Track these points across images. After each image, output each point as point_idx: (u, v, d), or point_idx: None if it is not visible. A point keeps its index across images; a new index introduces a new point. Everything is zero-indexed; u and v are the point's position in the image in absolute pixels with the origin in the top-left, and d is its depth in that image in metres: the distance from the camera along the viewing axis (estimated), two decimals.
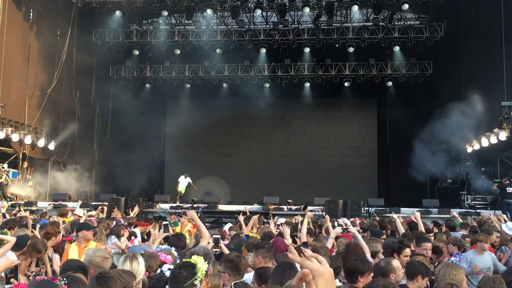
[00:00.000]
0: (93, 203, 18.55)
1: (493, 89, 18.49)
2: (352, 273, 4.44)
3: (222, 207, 19.57)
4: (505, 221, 10.10)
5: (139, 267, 4.07)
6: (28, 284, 3.35)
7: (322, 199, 19.08)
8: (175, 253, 4.82)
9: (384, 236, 7.72)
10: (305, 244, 6.23)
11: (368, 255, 5.57)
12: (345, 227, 6.67)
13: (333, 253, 5.93)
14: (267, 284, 4.17)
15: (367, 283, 4.22)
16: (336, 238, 6.55)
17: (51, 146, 21.85)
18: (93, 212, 11.72)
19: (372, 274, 4.51)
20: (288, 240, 6.08)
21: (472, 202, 18.33)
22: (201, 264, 3.51)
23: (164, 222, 8.85)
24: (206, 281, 3.64)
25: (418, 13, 23.56)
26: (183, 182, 22.79)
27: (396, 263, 4.77)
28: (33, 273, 6.26)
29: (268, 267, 4.59)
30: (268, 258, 4.93)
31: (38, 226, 7.84)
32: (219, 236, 5.77)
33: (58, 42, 22.41)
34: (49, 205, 18.44)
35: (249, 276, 4.60)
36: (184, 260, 3.66)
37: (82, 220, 9.86)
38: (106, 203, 17.56)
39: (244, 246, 5.90)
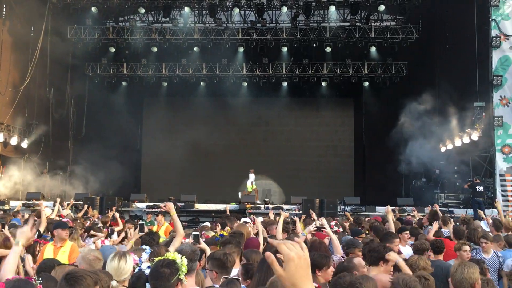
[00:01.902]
0: (67, 202, 18.24)
1: (466, 90, 18.89)
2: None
3: (199, 206, 19.50)
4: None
5: (126, 266, 4.09)
6: (5, 283, 3.30)
7: (299, 198, 19.18)
8: (144, 254, 4.77)
9: (363, 235, 7.80)
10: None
11: (340, 255, 5.62)
12: (319, 226, 6.70)
13: None
14: (253, 279, 4.21)
15: (331, 279, 4.27)
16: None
17: (24, 144, 21.41)
18: (65, 212, 11.52)
19: (331, 269, 4.57)
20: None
21: (446, 201, 18.69)
22: (180, 259, 3.53)
23: (140, 222, 8.78)
24: (185, 277, 3.64)
25: (394, 15, 23.88)
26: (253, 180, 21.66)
27: (357, 260, 4.83)
28: None
29: (253, 263, 4.61)
30: (235, 253, 4.98)
31: (6, 226, 7.65)
32: (198, 233, 5.75)
33: (31, 38, 21.96)
34: (23, 204, 18.09)
35: (233, 273, 4.63)
36: (156, 259, 3.64)
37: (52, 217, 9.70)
38: (81, 202, 17.31)
39: (219, 245, 5.90)
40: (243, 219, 9.95)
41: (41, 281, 3.29)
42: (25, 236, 4.15)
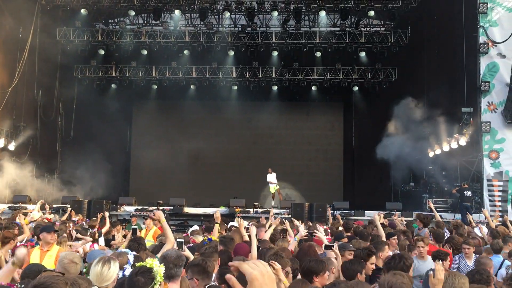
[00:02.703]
0: (54, 206, 18.06)
1: (454, 96, 19.06)
2: (307, 274, 4.51)
3: (188, 210, 19.39)
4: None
5: (109, 272, 3.97)
6: None
7: (288, 202, 19.18)
8: (131, 257, 4.71)
9: (346, 239, 7.83)
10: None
11: (332, 257, 5.65)
12: (311, 232, 6.72)
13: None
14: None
15: (325, 284, 4.29)
16: (300, 241, 6.59)
17: (11, 147, 21.17)
18: (51, 216, 11.42)
19: (327, 274, 4.60)
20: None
21: (434, 205, 18.75)
22: (158, 267, 3.43)
23: (133, 226, 8.70)
24: (164, 282, 3.58)
25: (383, 20, 24.07)
26: (273, 179, 20.86)
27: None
28: None
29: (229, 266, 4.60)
30: (215, 260, 5.01)
31: None
32: (182, 240, 5.70)
33: (20, 39, 21.75)
34: (8, 207, 17.86)
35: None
36: (138, 265, 3.57)
37: (35, 221, 9.60)
38: (68, 206, 17.14)
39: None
40: (231, 223, 9.90)
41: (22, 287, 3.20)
42: (23, 259, 4.20)
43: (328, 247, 5.82)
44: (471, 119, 17.70)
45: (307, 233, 6.69)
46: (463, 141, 17.75)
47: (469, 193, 16.43)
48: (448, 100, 19.32)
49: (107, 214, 10.82)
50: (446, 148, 19.15)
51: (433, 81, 21.43)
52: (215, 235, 7.62)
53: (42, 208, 14.58)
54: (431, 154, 20.65)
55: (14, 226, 8.11)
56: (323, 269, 4.58)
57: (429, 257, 6.95)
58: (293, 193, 26.64)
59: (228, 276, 1.79)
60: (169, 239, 5.42)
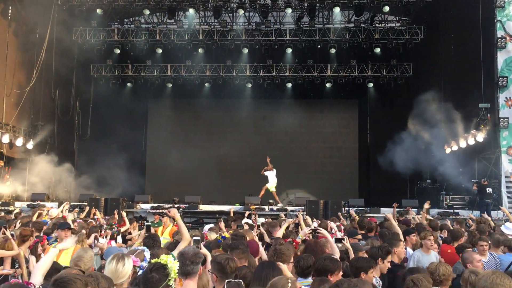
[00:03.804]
0: (72, 203, 18.30)
1: (471, 91, 18.80)
2: (321, 272, 4.49)
3: (203, 207, 19.49)
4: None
5: (124, 268, 4.00)
6: (2, 286, 3.27)
7: (303, 199, 19.14)
8: (147, 254, 4.75)
9: (360, 236, 7.79)
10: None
11: (337, 255, 5.62)
12: (314, 228, 6.68)
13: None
14: (251, 283, 4.19)
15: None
16: (304, 240, 6.56)
17: (30, 145, 21.51)
18: (70, 215, 11.56)
19: (341, 273, 4.58)
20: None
21: (451, 203, 18.59)
22: (172, 263, 3.44)
23: (147, 223, 8.75)
24: (180, 279, 3.60)
25: (398, 16, 23.81)
26: (272, 177, 20.17)
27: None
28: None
29: (243, 266, 4.61)
30: (243, 259, 4.94)
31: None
32: (199, 238, 5.73)
33: (37, 40, 22.07)
34: (27, 205, 18.15)
35: None
36: (153, 261, 3.60)
37: (53, 219, 9.73)
38: (86, 203, 17.35)
39: (221, 248, 5.88)
40: (244, 220, 9.93)
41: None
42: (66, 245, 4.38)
43: (339, 240, 5.80)
44: (489, 115, 17.46)
45: (311, 231, 6.63)
46: (480, 137, 17.52)
47: (490, 190, 16.22)
48: (465, 95, 19.07)
49: (124, 214, 10.83)
50: (463, 144, 18.92)
51: (450, 76, 21.17)
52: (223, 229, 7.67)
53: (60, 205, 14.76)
54: (447, 150, 20.42)
55: (29, 224, 8.23)
56: (338, 268, 4.60)
57: (433, 252, 7.03)
58: (308, 191, 26.56)
59: None
60: (184, 236, 5.45)
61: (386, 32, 23.31)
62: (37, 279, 3.92)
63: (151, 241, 6.04)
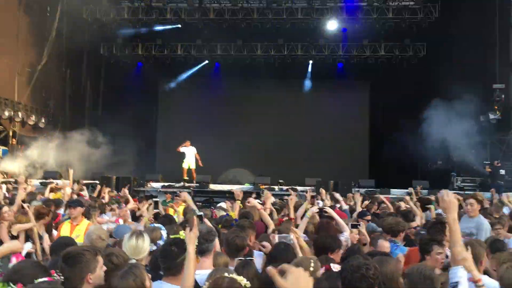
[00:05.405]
0: (84, 182, 18.47)
1: (485, 72, 18.52)
2: (321, 250, 4.52)
3: (214, 187, 19.61)
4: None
5: (144, 244, 4.11)
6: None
7: (313, 179, 19.16)
8: (164, 232, 4.82)
9: (369, 217, 7.75)
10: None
11: (347, 232, 5.65)
12: (321, 207, 6.67)
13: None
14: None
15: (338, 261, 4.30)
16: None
17: (41, 124, 21.68)
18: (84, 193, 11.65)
19: (341, 251, 4.63)
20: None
21: (462, 184, 18.50)
22: None
23: (155, 199, 8.78)
24: (196, 257, 3.65)
25: None
26: (190, 154, 20.38)
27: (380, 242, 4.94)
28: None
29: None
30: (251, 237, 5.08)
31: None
32: (202, 213, 5.77)
33: (47, 18, 22.03)
34: (40, 183, 18.35)
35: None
36: (172, 237, 3.67)
37: (66, 198, 9.84)
38: (97, 182, 17.53)
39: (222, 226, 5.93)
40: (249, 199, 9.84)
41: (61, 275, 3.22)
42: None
43: (355, 226, 5.80)
44: (503, 96, 17.22)
45: (318, 210, 6.64)
46: (493, 118, 17.32)
47: (503, 172, 16.10)
48: (479, 76, 18.78)
49: (126, 191, 10.62)
50: (476, 125, 18.71)
51: (463, 57, 20.83)
52: (236, 210, 7.69)
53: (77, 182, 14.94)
54: (460, 131, 20.20)
55: (51, 203, 8.31)
56: (338, 246, 4.69)
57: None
58: (318, 172, 26.54)
59: (268, 268, 1.83)
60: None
61: (399, 11, 22.92)
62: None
63: (167, 220, 6.11)
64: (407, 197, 9.16)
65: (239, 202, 8.27)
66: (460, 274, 3.18)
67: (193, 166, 20.46)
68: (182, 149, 20.48)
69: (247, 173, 24.98)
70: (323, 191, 10.70)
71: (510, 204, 9.46)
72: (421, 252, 4.77)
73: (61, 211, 8.61)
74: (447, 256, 4.45)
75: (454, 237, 3.37)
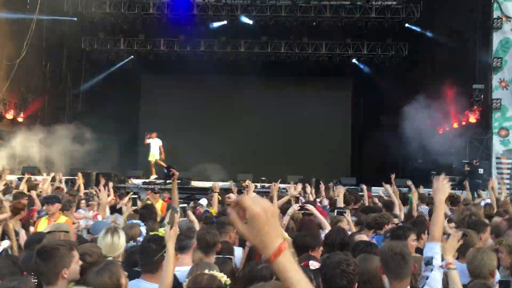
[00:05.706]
0: (63, 177, 18.19)
1: (465, 72, 18.78)
2: (302, 249, 4.51)
3: (195, 184, 19.51)
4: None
5: (119, 241, 4.05)
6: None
7: (296, 177, 19.18)
8: (143, 229, 4.75)
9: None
10: None
11: (327, 229, 5.65)
12: (301, 205, 6.63)
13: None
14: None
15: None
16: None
17: (20, 119, 21.30)
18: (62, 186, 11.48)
19: (321, 249, 4.65)
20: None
21: None
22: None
23: (133, 196, 8.64)
24: (175, 253, 3.61)
25: None
26: (155, 146, 20.29)
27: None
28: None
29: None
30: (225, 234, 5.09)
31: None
32: (185, 205, 5.72)
33: (27, 11, 21.61)
34: (18, 178, 18.02)
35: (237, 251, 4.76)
36: (151, 233, 3.63)
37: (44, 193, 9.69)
38: (77, 178, 17.25)
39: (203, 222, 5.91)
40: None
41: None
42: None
43: (340, 213, 5.84)
44: (482, 96, 17.49)
45: (299, 207, 6.60)
46: (473, 118, 17.58)
47: (481, 171, 16.36)
48: (459, 76, 19.04)
49: (101, 187, 10.45)
50: (455, 125, 18.98)
51: (444, 57, 21.11)
52: (214, 205, 7.62)
53: (53, 179, 14.69)
54: (440, 131, 20.49)
55: (23, 197, 8.17)
56: (318, 244, 4.72)
57: None
58: (300, 170, 26.61)
59: (229, 210, 1.63)
60: (175, 201, 5.52)
61: (382, 10, 23.08)
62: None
63: (148, 212, 6.04)
64: (387, 185, 9.29)
65: (217, 194, 8.23)
66: (436, 250, 3.28)
67: (157, 157, 20.23)
68: (148, 140, 20.23)
69: (219, 168, 24.83)
70: (308, 186, 10.77)
71: (492, 191, 9.66)
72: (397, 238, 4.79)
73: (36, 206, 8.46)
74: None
75: (437, 216, 3.56)
